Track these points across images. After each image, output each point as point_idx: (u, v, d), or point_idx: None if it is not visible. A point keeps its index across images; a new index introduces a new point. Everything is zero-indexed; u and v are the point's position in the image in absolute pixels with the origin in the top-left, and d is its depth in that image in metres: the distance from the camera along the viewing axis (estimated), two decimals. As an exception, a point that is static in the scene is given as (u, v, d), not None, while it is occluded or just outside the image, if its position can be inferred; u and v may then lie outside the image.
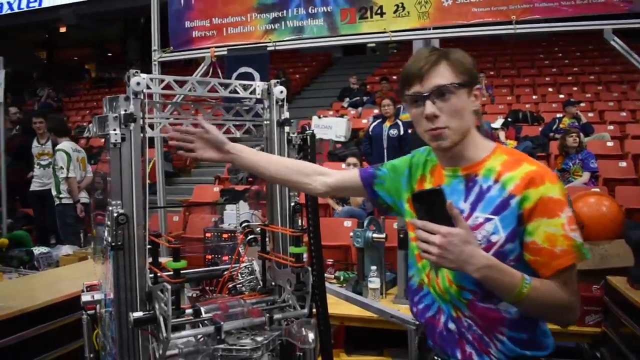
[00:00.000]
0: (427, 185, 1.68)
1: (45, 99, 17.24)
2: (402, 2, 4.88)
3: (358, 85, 13.71)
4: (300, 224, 2.53)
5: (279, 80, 2.90)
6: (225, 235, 5.49)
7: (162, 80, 2.22)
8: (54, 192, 6.86)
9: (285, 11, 5.26)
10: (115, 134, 2.01)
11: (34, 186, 7.65)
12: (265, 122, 2.75)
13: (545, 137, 9.54)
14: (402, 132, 8.17)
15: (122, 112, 2.04)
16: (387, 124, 8.21)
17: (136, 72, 2.23)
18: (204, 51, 5.47)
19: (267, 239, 2.47)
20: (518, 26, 4.64)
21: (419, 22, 4.85)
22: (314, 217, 2.52)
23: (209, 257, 5.52)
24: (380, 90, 12.88)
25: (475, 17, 4.69)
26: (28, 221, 8.46)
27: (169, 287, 1.69)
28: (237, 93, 2.61)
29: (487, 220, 1.48)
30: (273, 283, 2.38)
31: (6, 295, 3.51)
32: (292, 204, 2.54)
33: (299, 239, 2.18)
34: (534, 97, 12.25)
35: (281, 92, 2.83)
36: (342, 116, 11.11)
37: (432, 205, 1.38)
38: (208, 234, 5.56)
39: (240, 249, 2.57)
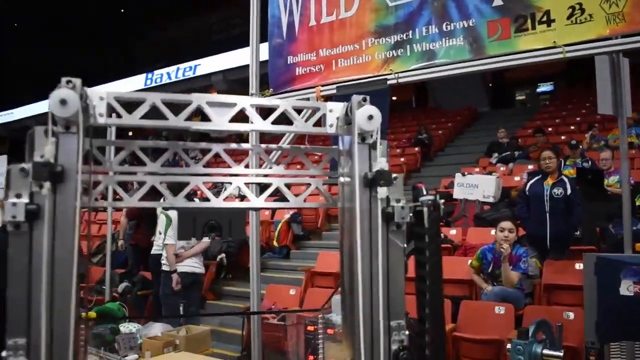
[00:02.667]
0: None
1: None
2: (580, 2, 3.19)
3: (508, 139, 11.85)
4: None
5: (365, 97, 1.38)
6: (330, 331, 4.01)
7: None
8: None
9: (411, 32, 3.80)
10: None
11: (155, 249, 6.86)
12: (341, 178, 1.25)
13: None
14: (569, 191, 6.20)
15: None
16: (549, 181, 6.33)
17: (68, 80, 1.25)
18: (309, 91, 4.18)
19: None
20: None
21: (608, 28, 3.11)
22: None
23: (311, 358, 4.04)
24: (535, 144, 10.88)
25: None
26: (146, 285, 7.71)
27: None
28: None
29: None
30: None
31: None
32: None
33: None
34: None
35: (370, 118, 1.29)
36: (490, 173, 9.39)
37: None
38: (310, 328, 4.12)
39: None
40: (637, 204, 6.65)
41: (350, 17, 4.06)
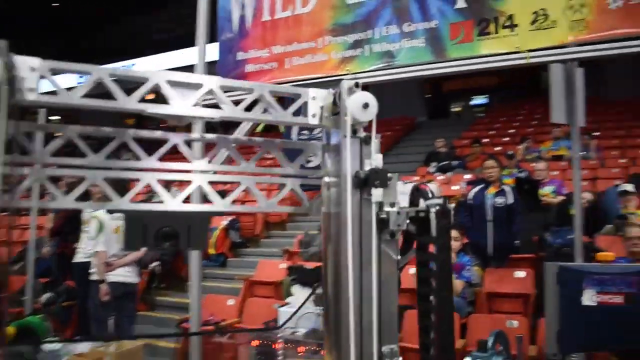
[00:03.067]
0: None
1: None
2: (543, 7, 3.12)
3: (446, 149, 11.94)
4: None
5: (357, 82, 1.11)
6: (275, 346, 3.73)
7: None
8: (91, 266, 5.49)
9: (370, 31, 3.62)
10: None
11: (78, 257, 6.30)
12: (325, 178, 0.97)
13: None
14: (510, 201, 6.25)
15: None
16: (492, 190, 6.34)
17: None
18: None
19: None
20: None
21: (572, 34, 3.05)
22: None
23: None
24: (472, 154, 11.06)
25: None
26: (71, 296, 7.11)
27: None
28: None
29: None
30: None
31: None
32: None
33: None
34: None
35: (365, 107, 0.98)
36: (429, 182, 9.35)
37: None
38: (254, 343, 3.82)
39: None
40: (572, 212, 6.80)
41: (306, 13, 3.84)
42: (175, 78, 1.20)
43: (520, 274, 5.86)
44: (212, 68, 4.21)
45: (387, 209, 1.23)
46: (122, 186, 1.32)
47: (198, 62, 4.16)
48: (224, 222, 9.18)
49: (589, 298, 2.60)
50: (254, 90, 1.27)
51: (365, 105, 1.19)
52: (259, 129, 4.04)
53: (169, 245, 1.28)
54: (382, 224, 1.22)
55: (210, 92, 1.24)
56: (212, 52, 4.25)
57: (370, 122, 1.21)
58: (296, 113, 1.32)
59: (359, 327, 1.21)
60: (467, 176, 10.02)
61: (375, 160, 1.20)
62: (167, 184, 1.35)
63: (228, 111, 1.26)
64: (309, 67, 3.83)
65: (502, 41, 3.20)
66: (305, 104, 1.32)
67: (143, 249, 5.96)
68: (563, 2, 3.05)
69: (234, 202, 1.33)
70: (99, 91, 1.15)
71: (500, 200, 6.19)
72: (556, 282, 2.75)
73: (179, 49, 15.95)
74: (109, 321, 5.27)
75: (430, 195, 1.16)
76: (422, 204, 1.19)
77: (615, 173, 9.08)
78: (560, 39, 3.08)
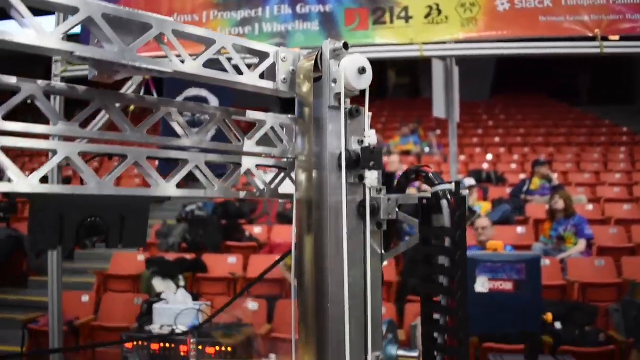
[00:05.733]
0: None
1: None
2: (437, 2, 3.11)
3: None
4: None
5: (345, 43, 0.82)
6: (154, 347, 3.30)
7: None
8: None
9: (260, 9, 3.33)
10: None
11: None
12: (301, 157, 0.72)
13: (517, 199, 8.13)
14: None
15: None
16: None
17: None
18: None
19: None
20: (606, 44, 2.98)
21: (462, 31, 3.09)
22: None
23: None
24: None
25: (544, 28, 3.00)
26: None
27: None
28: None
29: None
30: None
31: None
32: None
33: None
34: (487, 157, 10.96)
35: (362, 72, 0.68)
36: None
37: None
38: (128, 345, 3.34)
39: None
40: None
41: (192, -18, 3.43)
42: (115, 13, 0.85)
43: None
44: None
45: (374, 195, 1.02)
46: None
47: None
48: (70, 211, 8.20)
49: (482, 285, 2.66)
50: (216, 42, 0.97)
51: (362, 70, 0.96)
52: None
53: (96, 241, 0.93)
54: (373, 212, 1.00)
55: (160, 36, 0.92)
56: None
57: (363, 91, 0.99)
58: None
59: (341, 336, 0.99)
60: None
61: (369, 137, 0.98)
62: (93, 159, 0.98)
63: (181, 65, 0.94)
64: (192, 43, 3.43)
65: (398, 32, 3.14)
66: (274, 66, 1.04)
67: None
68: (456, -1, 3.09)
69: (178, 185, 1.01)
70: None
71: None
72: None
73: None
74: None
75: (437, 180, 0.97)
76: (428, 190, 0.99)
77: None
78: (453, 34, 3.11)
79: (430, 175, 0.98)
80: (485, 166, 10.18)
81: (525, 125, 13.12)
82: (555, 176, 8.75)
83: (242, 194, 1.11)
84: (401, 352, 2.89)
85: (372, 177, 0.97)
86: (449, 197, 0.93)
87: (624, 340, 4.41)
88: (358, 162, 0.97)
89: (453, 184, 0.94)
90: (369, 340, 1.03)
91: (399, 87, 16.43)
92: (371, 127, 1.01)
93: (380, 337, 1.07)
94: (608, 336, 4.70)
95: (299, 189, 1.06)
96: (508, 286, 2.65)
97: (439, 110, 3.67)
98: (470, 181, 7.61)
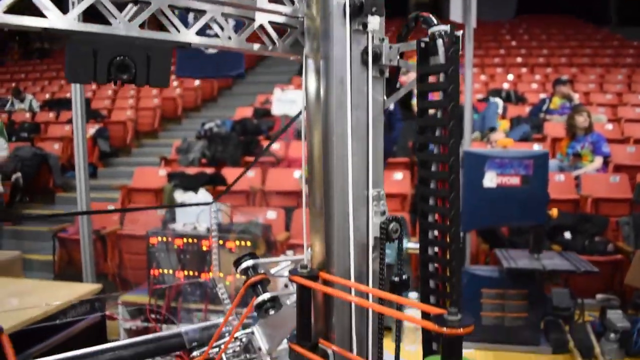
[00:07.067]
0: None
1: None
2: None
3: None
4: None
5: None
6: (178, 243, 3.54)
7: None
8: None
9: None
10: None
11: None
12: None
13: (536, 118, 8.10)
14: (391, 106, 6.42)
15: None
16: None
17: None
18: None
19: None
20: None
21: None
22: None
23: (156, 272, 3.56)
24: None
25: None
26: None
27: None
28: None
29: None
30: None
31: None
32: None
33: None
34: (508, 76, 10.80)
35: None
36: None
37: None
38: (153, 240, 3.59)
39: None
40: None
41: None
42: None
43: (398, 175, 6.15)
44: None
45: (376, 42, 1.11)
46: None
47: None
48: (91, 130, 8.42)
49: (490, 180, 2.77)
50: None
51: None
52: None
53: (125, 79, 1.04)
54: (375, 58, 1.09)
55: None
56: None
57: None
58: None
59: (346, 173, 1.11)
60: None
61: None
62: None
63: None
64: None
65: None
66: None
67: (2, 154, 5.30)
68: None
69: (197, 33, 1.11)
70: None
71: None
72: (461, 166, 2.89)
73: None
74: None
75: (434, 22, 1.06)
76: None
77: (477, 88, 9.67)
78: None
79: (429, 17, 1.06)
80: (506, 86, 10.04)
81: (549, 46, 12.78)
82: (576, 96, 8.61)
83: (256, 47, 1.21)
84: (410, 245, 3.05)
85: (374, 22, 1.05)
86: (444, 37, 1.01)
87: (632, 251, 4.52)
88: (362, 9, 1.06)
89: (448, 26, 1.02)
90: (369, 177, 1.15)
91: (419, 6, 15.96)
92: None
93: (380, 176, 1.19)
94: (617, 247, 4.83)
95: (307, 44, 1.15)
96: (515, 181, 2.76)
97: (455, 13, 3.64)
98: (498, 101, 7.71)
